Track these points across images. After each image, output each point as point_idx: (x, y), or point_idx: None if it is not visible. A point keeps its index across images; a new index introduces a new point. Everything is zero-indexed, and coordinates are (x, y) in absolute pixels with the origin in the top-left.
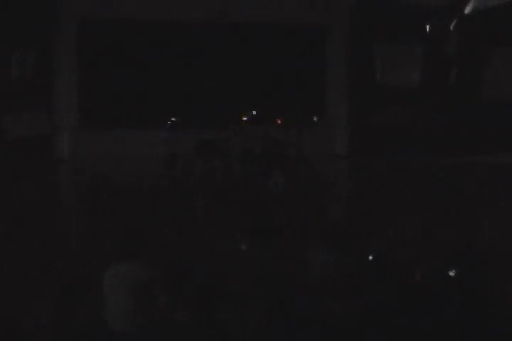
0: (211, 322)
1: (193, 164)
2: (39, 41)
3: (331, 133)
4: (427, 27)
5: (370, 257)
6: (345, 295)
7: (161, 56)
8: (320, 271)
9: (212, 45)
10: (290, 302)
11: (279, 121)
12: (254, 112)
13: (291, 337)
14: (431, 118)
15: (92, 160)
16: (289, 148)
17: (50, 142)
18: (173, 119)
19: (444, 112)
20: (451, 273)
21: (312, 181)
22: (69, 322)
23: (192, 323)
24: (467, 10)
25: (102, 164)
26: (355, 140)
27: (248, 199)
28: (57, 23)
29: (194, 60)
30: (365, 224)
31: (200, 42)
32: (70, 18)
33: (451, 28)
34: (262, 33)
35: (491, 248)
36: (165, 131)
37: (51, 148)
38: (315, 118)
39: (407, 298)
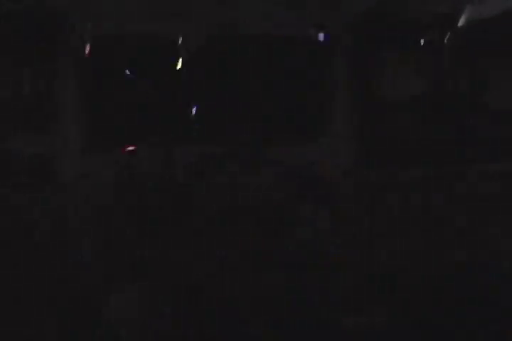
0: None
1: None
2: (45, 62)
3: (335, 146)
4: (429, 36)
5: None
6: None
7: (170, 76)
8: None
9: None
10: (298, 313)
11: None
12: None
13: None
14: (437, 128)
15: (96, 183)
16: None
17: (54, 164)
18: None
19: (450, 122)
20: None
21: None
22: None
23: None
24: (468, 18)
25: (106, 188)
26: (360, 152)
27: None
28: (64, 44)
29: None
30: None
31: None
32: (77, 39)
33: (454, 36)
34: (262, 45)
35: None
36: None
37: (55, 170)
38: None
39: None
